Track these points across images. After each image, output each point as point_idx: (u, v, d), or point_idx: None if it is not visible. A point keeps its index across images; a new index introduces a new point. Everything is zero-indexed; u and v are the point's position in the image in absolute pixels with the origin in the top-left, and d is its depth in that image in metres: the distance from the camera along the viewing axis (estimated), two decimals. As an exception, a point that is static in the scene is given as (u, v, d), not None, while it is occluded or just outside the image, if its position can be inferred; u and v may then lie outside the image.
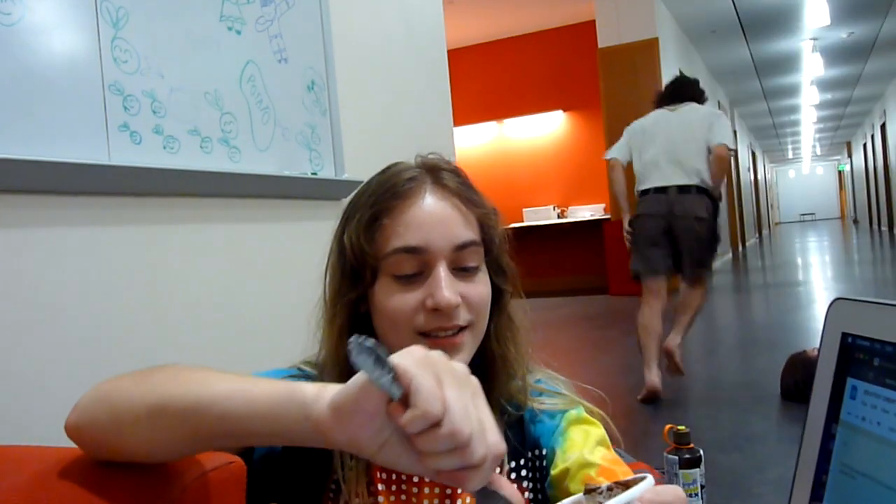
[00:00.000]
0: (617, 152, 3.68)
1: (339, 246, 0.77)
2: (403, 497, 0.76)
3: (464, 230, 0.74)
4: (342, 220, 0.79)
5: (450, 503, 0.77)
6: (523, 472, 0.81)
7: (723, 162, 3.31)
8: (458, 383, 0.47)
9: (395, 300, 0.72)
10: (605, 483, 0.58)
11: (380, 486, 0.76)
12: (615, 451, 0.81)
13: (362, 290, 0.75)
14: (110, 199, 1.48)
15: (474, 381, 0.50)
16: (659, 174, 3.36)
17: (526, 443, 0.82)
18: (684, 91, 3.69)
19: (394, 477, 0.77)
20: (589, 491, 0.59)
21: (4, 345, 1.24)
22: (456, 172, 0.79)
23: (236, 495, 0.60)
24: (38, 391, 1.28)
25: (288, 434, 0.50)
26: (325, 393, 0.49)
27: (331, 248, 0.80)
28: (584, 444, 0.78)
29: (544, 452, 0.81)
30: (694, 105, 3.57)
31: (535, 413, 0.82)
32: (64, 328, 1.35)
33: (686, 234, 3.27)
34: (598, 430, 0.81)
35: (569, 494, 0.74)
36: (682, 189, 3.27)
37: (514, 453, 0.80)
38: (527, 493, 0.81)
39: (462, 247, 0.74)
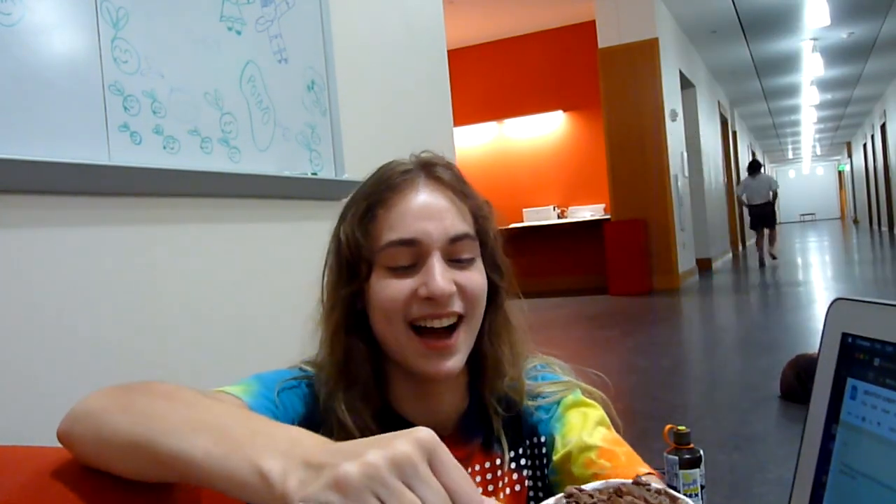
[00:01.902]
0: (740, 191, 10.25)
1: (336, 243, 0.77)
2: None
3: (458, 222, 0.74)
4: (339, 218, 0.80)
5: (490, 492, 0.78)
6: (522, 461, 0.82)
7: (776, 194, 9.97)
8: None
9: (388, 290, 0.72)
10: (654, 485, 0.54)
11: None
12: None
13: (357, 285, 0.75)
14: (110, 199, 1.48)
15: (425, 442, 0.45)
16: (758, 197, 9.87)
17: (523, 431, 0.82)
18: (757, 166, 10.10)
19: None
20: (638, 484, 0.54)
21: (4, 345, 1.24)
22: (449, 167, 0.80)
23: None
24: (38, 391, 1.28)
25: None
26: (288, 485, 0.45)
27: (329, 247, 0.80)
28: (582, 426, 0.78)
29: (543, 440, 0.81)
30: (762, 172, 10.24)
31: (531, 406, 0.82)
32: (63, 328, 1.35)
33: (767, 215, 9.90)
34: (596, 412, 0.81)
35: (572, 478, 0.75)
36: (765, 203, 9.86)
37: (512, 443, 0.81)
38: (527, 482, 0.81)
39: (456, 238, 0.74)
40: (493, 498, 0.74)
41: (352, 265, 0.74)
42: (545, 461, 0.81)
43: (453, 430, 0.79)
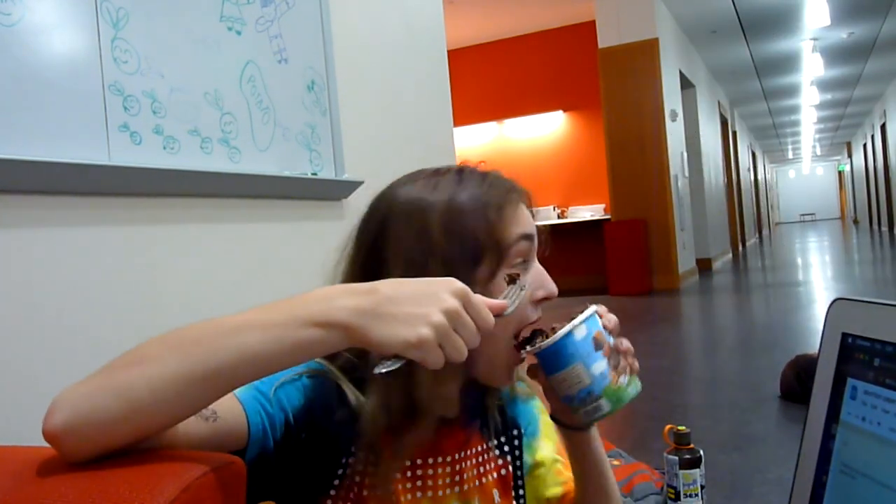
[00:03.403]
0: None
1: (438, 235, 0.74)
2: (419, 483, 0.78)
3: None
4: (416, 210, 0.76)
5: (459, 481, 0.80)
6: (506, 449, 0.86)
7: None
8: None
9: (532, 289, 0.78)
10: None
11: (433, 467, 0.78)
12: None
13: (482, 275, 0.75)
14: (110, 199, 1.48)
15: (461, 292, 0.61)
16: None
17: (507, 422, 0.87)
18: None
19: (408, 463, 0.78)
20: (526, 342, 0.75)
21: (4, 345, 1.24)
22: None
23: (236, 495, 0.60)
24: (38, 391, 1.28)
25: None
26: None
27: (372, 240, 0.77)
28: (554, 436, 0.89)
29: (521, 432, 0.88)
30: None
31: (513, 395, 0.89)
32: (63, 328, 1.35)
33: None
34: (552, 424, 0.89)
35: (537, 485, 0.87)
36: None
37: (496, 431, 0.85)
38: (511, 467, 0.85)
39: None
40: (490, 482, 0.82)
41: (476, 256, 0.74)
42: (519, 453, 0.87)
43: (458, 415, 0.82)
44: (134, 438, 0.58)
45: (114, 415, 0.57)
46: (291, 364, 0.60)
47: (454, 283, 0.61)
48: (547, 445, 0.89)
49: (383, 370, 0.60)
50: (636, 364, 0.75)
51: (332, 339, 0.58)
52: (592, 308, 0.74)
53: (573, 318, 0.73)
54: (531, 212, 0.82)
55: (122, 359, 0.60)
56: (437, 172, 0.81)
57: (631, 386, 0.73)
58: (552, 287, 0.79)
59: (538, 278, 0.78)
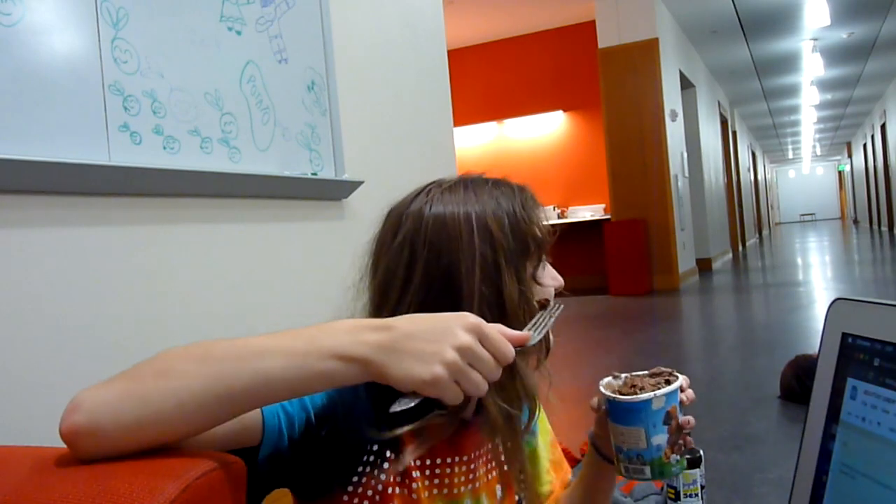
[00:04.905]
0: None
1: (501, 238, 0.80)
2: (437, 480, 0.80)
3: None
4: (475, 219, 0.80)
5: (473, 479, 0.82)
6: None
7: None
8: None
9: (547, 280, 0.85)
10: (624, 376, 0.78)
11: (415, 474, 0.79)
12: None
13: (531, 267, 0.83)
14: (110, 199, 1.48)
15: (475, 326, 0.63)
16: None
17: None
18: None
19: (428, 462, 0.80)
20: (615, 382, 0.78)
21: (4, 345, 1.24)
22: None
23: (237, 496, 0.60)
24: (38, 391, 1.28)
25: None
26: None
27: (427, 255, 0.79)
28: (549, 432, 0.97)
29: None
30: None
31: None
32: (64, 328, 1.35)
33: None
34: (546, 422, 0.99)
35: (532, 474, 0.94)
36: None
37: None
38: (505, 466, 0.87)
39: None
40: (494, 478, 0.86)
41: (524, 251, 0.82)
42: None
43: (474, 413, 0.83)
44: (151, 444, 0.59)
45: (138, 422, 0.58)
46: (309, 392, 0.62)
47: (467, 318, 0.62)
48: (540, 440, 0.96)
49: (398, 409, 0.61)
50: (690, 441, 0.77)
51: (351, 372, 0.60)
52: (678, 382, 0.76)
53: (661, 379, 0.76)
54: None
55: (147, 367, 0.61)
56: (457, 185, 0.84)
57: (677, 465, 0.75)
58: (561, 279, 0.87)
59: (551, 271, 0.87)
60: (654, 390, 0.73)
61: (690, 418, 0.76)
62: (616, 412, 0.74)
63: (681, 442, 0.74)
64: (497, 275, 0.77)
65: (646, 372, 0.78)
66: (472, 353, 0.61)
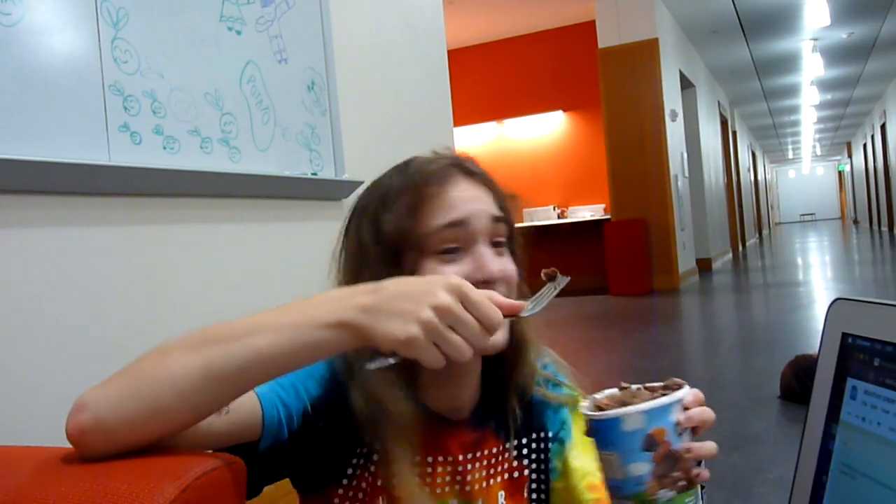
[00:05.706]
0: None
1: (371, 234, 0.78)
2: (417, 479, 0.79)
3: (495, 207, 0.80)
4: (358, 215, 0.81)
5: (461, 482, 0.80)
6: (525, 451, 0.85)
7: None
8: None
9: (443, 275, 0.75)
10: (635, 386, 0.62)
11: (399, 468, 0.78)
12: None
13: (405, 272, 0.74)
14: (110, 199, 1.48)
15: (455, 287, 0.60)
16: None
17: (532, 423, 0.85)
18: None
19: (450, 459, 0.79)
20: (623, 388, 0.63)
21: (4, 345, 1.24)
22: (477, 162, 0.85)
23: (236, 495, 0.60)
24: (38, 391, 1.28)
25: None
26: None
27: (342, 247, 0.82)
28: (586, 446, 0.81)
29: (550, 435, 0.85)
30: None
31: (542, 399, 0.86)
32: (64, 328, 1.35)
33: None
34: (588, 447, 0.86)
35: (569, 490, 0.82)
36: None
37: (519, 432, 0.84)
38: (528, 472, 0.84)
39: (497, 219, 0.78)
40: (496, 484, 0.81)
41: (396, 254, 0.76)
42: (547, 456, 0.85)
43: (468, 416, 0.82)
44: (158, 437, 0.60)
45: (140, 415, 0.58)
46: (303, 365, 0.62)
47: (449, 279, 0.60)
48: (582, 455, 0.83)
49: (371, 366, 0.61)
50: (704, 474, 0.59)
51: (341, 338, 0.59)
52: (670, 398, 0.58)
53: (654, 394, 0.59)
54: (498, 189, 0.82)
55: (145, 361, 0.62)
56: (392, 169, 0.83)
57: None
58: (489, 269, 0.74)
59: (477, 261, 0.75)
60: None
61: (695, 445, 0.58)
62: (589, 431, 0.59)
63: (678, 476, 0.57)
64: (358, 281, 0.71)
65: (660, 383, 0.61)
66: (452, 315, 0.58)
